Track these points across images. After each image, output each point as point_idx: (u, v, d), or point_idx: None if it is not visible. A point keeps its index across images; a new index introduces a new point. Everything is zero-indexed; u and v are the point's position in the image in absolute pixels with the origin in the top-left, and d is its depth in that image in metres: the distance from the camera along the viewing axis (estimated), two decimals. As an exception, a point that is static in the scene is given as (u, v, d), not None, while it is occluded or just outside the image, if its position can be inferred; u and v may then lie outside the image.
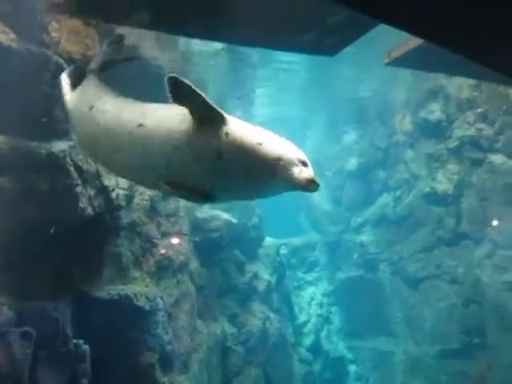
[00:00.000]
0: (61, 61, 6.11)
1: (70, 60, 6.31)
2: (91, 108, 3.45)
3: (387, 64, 6.17)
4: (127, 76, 4.98)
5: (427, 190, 12.99)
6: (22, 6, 5.68)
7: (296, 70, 12.57)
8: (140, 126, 3.02)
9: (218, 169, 2.79)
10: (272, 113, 16.76)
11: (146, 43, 8.24)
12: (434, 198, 12.81)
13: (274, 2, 3.87)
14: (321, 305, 16.24)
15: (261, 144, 2.86)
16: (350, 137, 16.52)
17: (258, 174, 2.83)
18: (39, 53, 5.87)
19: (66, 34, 6.27)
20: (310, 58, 11.97)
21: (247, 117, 14.28)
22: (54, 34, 6.07)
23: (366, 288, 14.95)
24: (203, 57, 10.34)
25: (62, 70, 6.17)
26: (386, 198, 14.86)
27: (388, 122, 14.82)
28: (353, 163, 16.09)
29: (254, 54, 10.91)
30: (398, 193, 14.40)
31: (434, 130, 12.98)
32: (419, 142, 13.64)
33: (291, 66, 12.06)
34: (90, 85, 3.94)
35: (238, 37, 4.69)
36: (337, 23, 4.09)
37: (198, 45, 9.56)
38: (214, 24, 4.20)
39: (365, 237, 15.21)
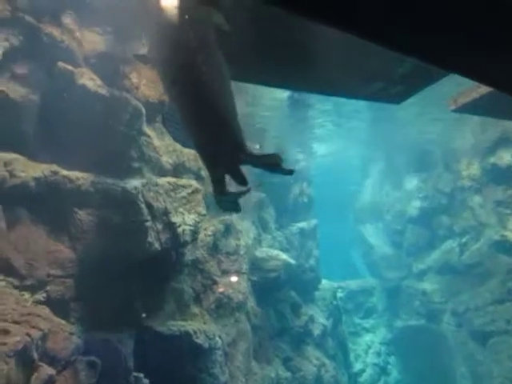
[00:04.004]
0: (139, 104, 6.56)
1: (147, 103, 6.77)
2: None
3: (453, 111, 6.08)
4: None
5: (497, 237, 12.36)
6: (107, 56, 6.21)
7: (359, 112, 12.64)
8: None
9: None
10: (332, 153, 16.80)
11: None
12: (504, 246, 12.14)
13: (344, 52, 3.98)
14: (378, 354, 15.55)
15: None
16: (412, 181, 16.13)
17: None
18: (120, 96, 6.34)
19: (145, 80, 6.73)
20: (372, 104, 12.01)
21: (308, 154, 14.41)
22: (134, 80, 6.55)
23: (428, 339, 14.18)
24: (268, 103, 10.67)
25: (140, 112, 6.63)
26: (450, 245, 14.23)
27: (453, 167, 14.38)
28: (415, 207, 15.62)
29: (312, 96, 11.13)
30: (463, 239, 13.76)
31: (504, 177, 12.45)
32: (487, 188, 13.10)
33: (355, 110, 12.14)
34: None
35: (307, 85, 4.84)
36: (405, 73, 4.14)
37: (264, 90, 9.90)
38: (286, 73, 4.36)
39: (427, 284, 14.54)
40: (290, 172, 4.39)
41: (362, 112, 12.42)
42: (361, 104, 11.22)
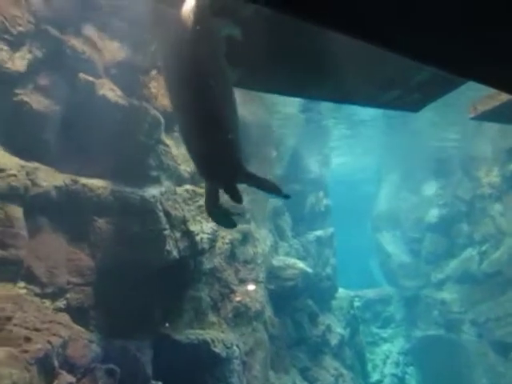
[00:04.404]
0: (158, 114, 6.63)
1: (165, 112, 6.83)
2: None
3: (472, 118, 6.00)
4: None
5: (518, 246, 12.09)
6: (127, 66, 6.30)
7: (374, 120, 12.58)
8: None
9: None
10: (349, 160, 16.74)
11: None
12: (525, 255, 11.88)
13: (361, 60, 3.96)
14: (397, 364, 15.31)
15: None
16: (431, 188, 15.93)
17: None
18: (140, 106, 6.42)
19: (163, 89, 6.81)
20: (387, 111, 11.94)
21: (324, 162, 14.36)
22: (153, 90, 6.63)
23: (447, 349, 13.92)
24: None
25: (158, 121, 6.70)
26: (470, 253, 13.99)
27: (472, 174, 14.18)
28: (433, 215, 15.41)
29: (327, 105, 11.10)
30: (483, 248, 13.52)
31: (525, 184, 12.23)
32: (508, 195, 12.87)
33: (370, 117, 12.09)
34: None
35: (322, 93, 4.82)
36: (422, 81, 4.10)
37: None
38: (301, 81, 4.36)
39: (446, 294, 14.30)
40: (287, 197, 4.48)
41: (378, 119, 12.36)
42: (377, 111, 11.17)
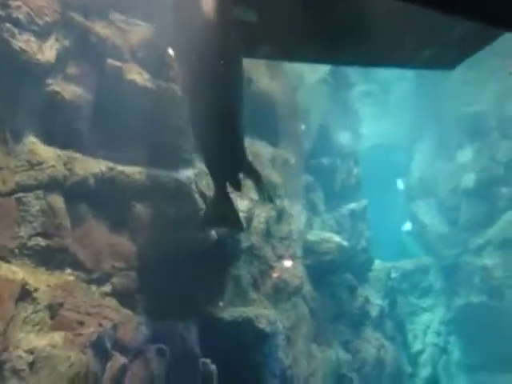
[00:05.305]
0: (186, 95, 6.58)
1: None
2: None
3: (512, 73, 5.71)
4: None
5: (561, 207, 11.64)
6: (153, 48, 6.27)
7: (404, 85, 12.23)
8: None
9: None
10: (378, 129, 16.36)
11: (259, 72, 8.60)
12: None
13: (394, 19, 3.80)
14: (438, 333, 15.15)
15: None
16: (466, 153, 15.40)
17: None
18: (167, 88, 6.39)
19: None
20: (417, 73, 11.56)
21: (354, 135, 14.12)
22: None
23: (490, 316, 13.65)
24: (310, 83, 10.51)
25: (187, 103, 6.66)
26: (511, 217, 13.57)
27: (509, 135, 13.64)
28: (470, 180, 14.93)
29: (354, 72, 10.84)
30: (525, 210, 13.10)
31: None
32: (548, 155, 12.36)
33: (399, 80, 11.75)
34: None
35: (357, 57, 4.68)
36: (457, 37, 3.92)
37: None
38: (334, 47, 4.24)
39: (487, 260, 13.96)
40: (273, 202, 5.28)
41: (407, 82, 11.98)
42: (406, 74, 10.80)
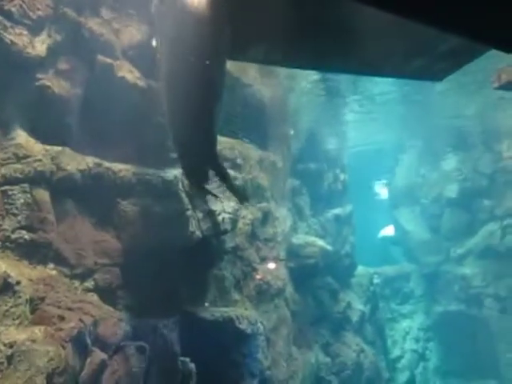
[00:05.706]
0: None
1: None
2: None
3: (496, 88, 5.86)
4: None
5: (540, 220, 11.92)
6: (144, 46, 6.29)
7: (391, 95, 12.39)
8: None
9: None
10: (364, 136, 16.55)
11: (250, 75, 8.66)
12: (549, 229, 11.72)
13: (386, 30, 3.89)
14: (417, 339, 15.37)
15: None
16: (450, 163, 15.68)
17: None
18: (157, 87, 6.40)
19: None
20: (404, 83, 11.73)
21: (340, 139, 14.25)
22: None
23: (468, 324, 13.91)
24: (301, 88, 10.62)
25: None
26: (491, 228, 13.85)
27: (493, 148, 13.92)
28: (453, 190, 15.21)
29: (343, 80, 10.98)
30: (505, 222, 13.37)
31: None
32: (530, 168, 12.64)
33: (386, 91, 11.91)
34: None
35: (347, 66, 4.77)
36: (447, 50, 4.03)
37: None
38: (325, 54, 4.32)
39: (467, 269, 14.23)
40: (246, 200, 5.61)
41: (394, 92, 12.15)
42: (393, 85, 10.97)
